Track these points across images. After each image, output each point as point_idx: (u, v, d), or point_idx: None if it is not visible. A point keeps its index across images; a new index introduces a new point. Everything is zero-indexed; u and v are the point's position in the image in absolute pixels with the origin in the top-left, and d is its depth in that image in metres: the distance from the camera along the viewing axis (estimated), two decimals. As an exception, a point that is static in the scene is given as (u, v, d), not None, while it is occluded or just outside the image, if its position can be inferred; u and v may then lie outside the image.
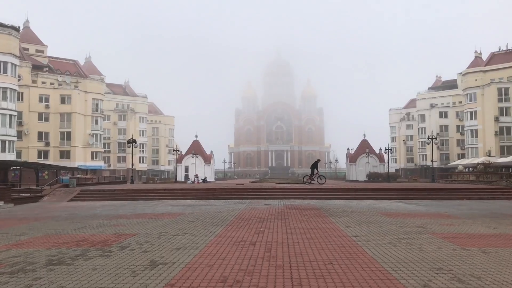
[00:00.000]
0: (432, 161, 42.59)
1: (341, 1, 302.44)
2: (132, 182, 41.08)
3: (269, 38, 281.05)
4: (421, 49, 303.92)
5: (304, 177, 32.03)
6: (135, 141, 41.87)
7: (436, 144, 44.42)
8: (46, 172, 54.09)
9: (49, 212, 16.95)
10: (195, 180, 53.54)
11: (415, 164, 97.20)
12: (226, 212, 15.91)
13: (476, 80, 68.51)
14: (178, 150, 64.46)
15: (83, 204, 21.00)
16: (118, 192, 24.51)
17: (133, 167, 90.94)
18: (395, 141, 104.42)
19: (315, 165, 30.72)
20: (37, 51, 68.99)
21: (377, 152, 72.78)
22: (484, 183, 30.73)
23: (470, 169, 46.36)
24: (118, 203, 21.36)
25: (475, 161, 50.78)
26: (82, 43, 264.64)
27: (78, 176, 41.37)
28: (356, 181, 67.46)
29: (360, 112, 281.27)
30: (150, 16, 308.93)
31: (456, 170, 48.25)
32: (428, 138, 41.93)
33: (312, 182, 30.00)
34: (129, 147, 45.11)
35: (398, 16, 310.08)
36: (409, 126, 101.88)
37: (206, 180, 54.19)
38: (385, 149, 56.76)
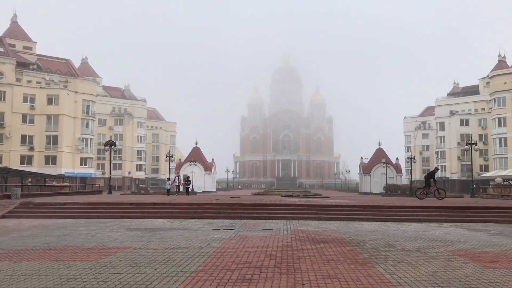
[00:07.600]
0: (471, 171, 36.38)
1: (353, 7, 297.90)
2: (110, 192, 35.01)
3: (277, 43, 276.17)
4: (435, 56, 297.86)
5: (417, 190, 26.06)
6: (114, 144, 35.93)
7: (476, 150, 38.10)
8: (30, 179, 48.48)
9: None
10: (177, 180, 40.68)
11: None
12: (198, 246, 9.77)
13: (505, 83, 62.04)
14: (172, 157, 58.10)
15: (9, 224, 14.97)
16: (69, 206, 18.37)
17: (130, 175, 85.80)
18: (410, 151, 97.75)
19: (431, 175, 25.15)
20: (24, 47, 63.78)
21: (393, 162, 66.32)
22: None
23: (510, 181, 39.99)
24: (60, 222, 15.35)
25: (515, 172, 44.33)
26: (86, 48, 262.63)
27: (47, 184, 35.58)
28: (371, 193, 60.98)
29: (371, 121, 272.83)
30: (155, 22, 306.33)
31: (492, 183, 41.82)
32: (467, 144, 35.69)
33: (424, 196, 24.97)
34: (107, 151, 39.10)
35: (411, 23, 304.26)
36: (425, 135, 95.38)
37: (188, 180, 39.25)
38: (407, 158, 50.38)
